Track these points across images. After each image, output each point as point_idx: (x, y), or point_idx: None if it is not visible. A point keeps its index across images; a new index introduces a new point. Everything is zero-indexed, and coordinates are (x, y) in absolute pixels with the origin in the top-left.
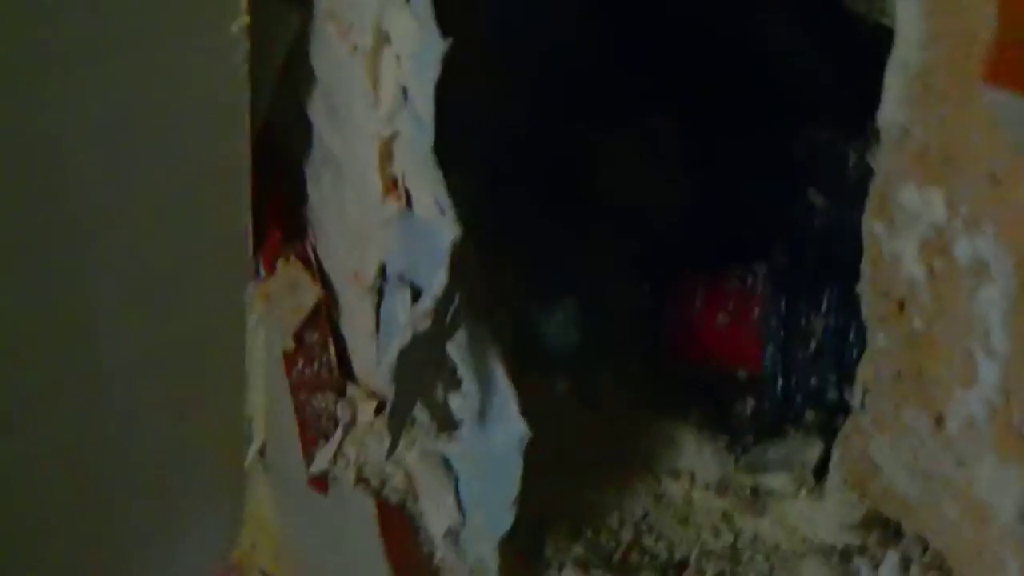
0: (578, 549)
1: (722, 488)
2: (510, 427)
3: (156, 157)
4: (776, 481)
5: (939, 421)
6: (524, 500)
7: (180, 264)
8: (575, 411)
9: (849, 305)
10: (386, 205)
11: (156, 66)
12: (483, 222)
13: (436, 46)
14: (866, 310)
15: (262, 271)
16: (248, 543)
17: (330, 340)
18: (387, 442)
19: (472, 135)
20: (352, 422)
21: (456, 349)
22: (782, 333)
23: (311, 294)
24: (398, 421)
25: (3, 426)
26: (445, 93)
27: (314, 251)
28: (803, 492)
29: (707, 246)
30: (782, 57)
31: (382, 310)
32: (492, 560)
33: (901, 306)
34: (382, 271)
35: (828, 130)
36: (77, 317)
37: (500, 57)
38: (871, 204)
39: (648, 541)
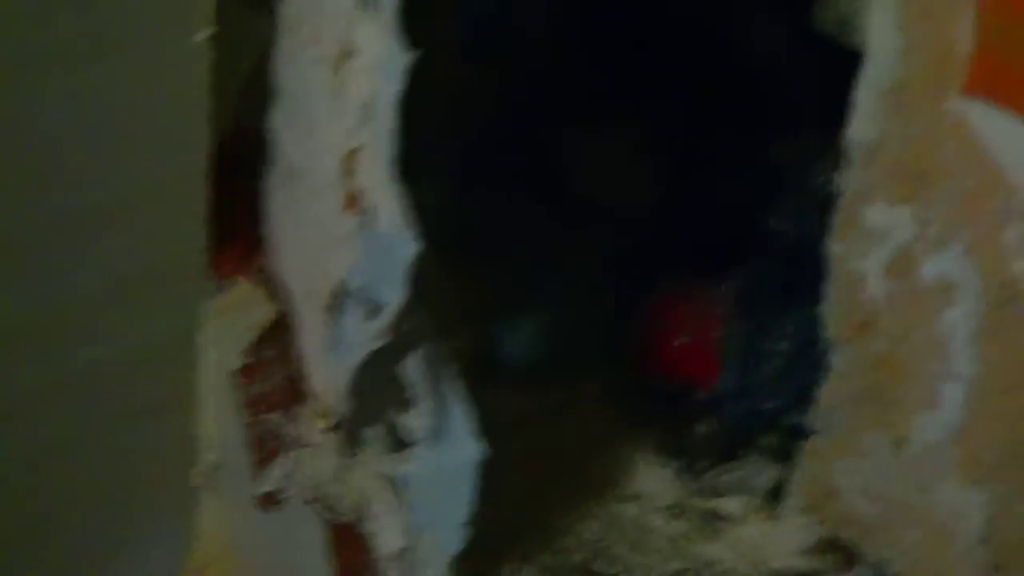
0: (531, 572)
1: (677, 512)
2: (464, 448)
3: (112, 168)
4: (731, 505)
5: (900, 444)
6: (476, 521)
7: (134, 277)
8: (532, 429)
9: (811, 326)
10: (347, 219)
11: (117, 75)
12: (446, 236)
13: (402, 57)
14: (829, 331)
15: (218, 285)
16: (199, 563)
17: (286, 356)
18: (341, 460)
19: (437, 147)
20: (304, 440)
21: (413, 367)
22: (742, 353)
23: (267, 309)
24: (352, 439)
25: None
26: (411, 104)
27: (272, 265)
28: (758, 516)
29: (671, 263)
30: (750, 74)
31: (340, 326)
32: None
33: (865, 326)
34: (341, 286)
35: (795, 149)
36: (23, 330)
37: (470, 64)
38: (837, 223)
39: (601, 565)
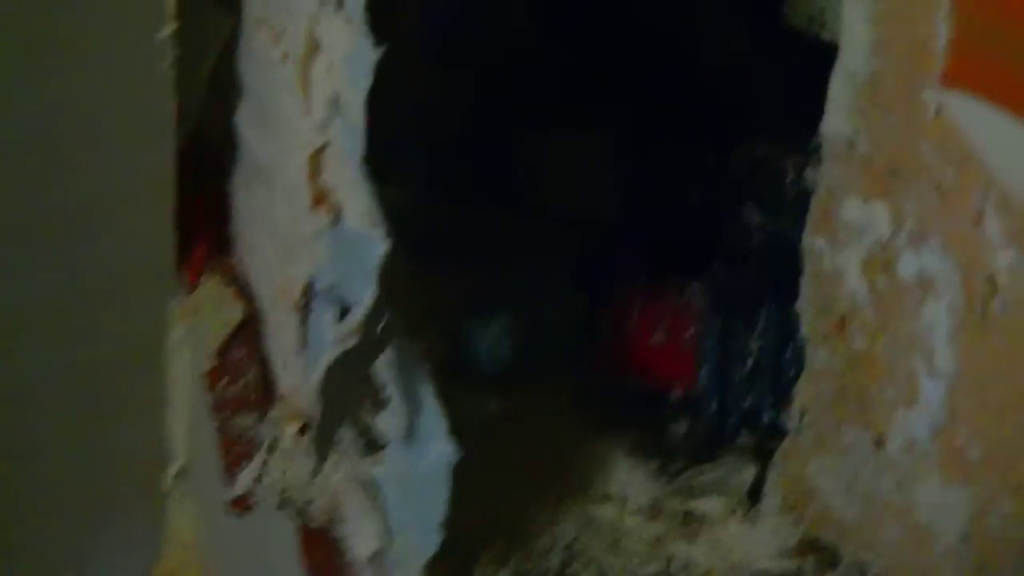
0: (506, 574)
1: (654, 512)
2: (439, 448)
3: (77, 167)
4: (709, 505)
5: (880, 442)
6: (451, 523)
7: (101, 278)
8: (505, 430)
9: (786, 324)
10: (315, 217)
11: (79, 73)
12: (414, 234)
13: (369, 54)
14: (806, 328)
15: (186, 286)
16: (168, 568)
17: (255, 358)
18: (312, 463)
19: (404, 146)
20: (275, 443)
21: (385, 367)
22: (717, 353)
23: (236, 310)
24: (324, 441)
25: None
26: (379, 101)
27: (240, 265)
28: (737, 516)
29: (643, 261)
30: (719, 71)
31: (309, 326)
32: None
33: (842, 323)
34: (310, 286)
35: (766, 146)
36: None
37: (437, 63)
38: (813, 218)
39: (578, 566)
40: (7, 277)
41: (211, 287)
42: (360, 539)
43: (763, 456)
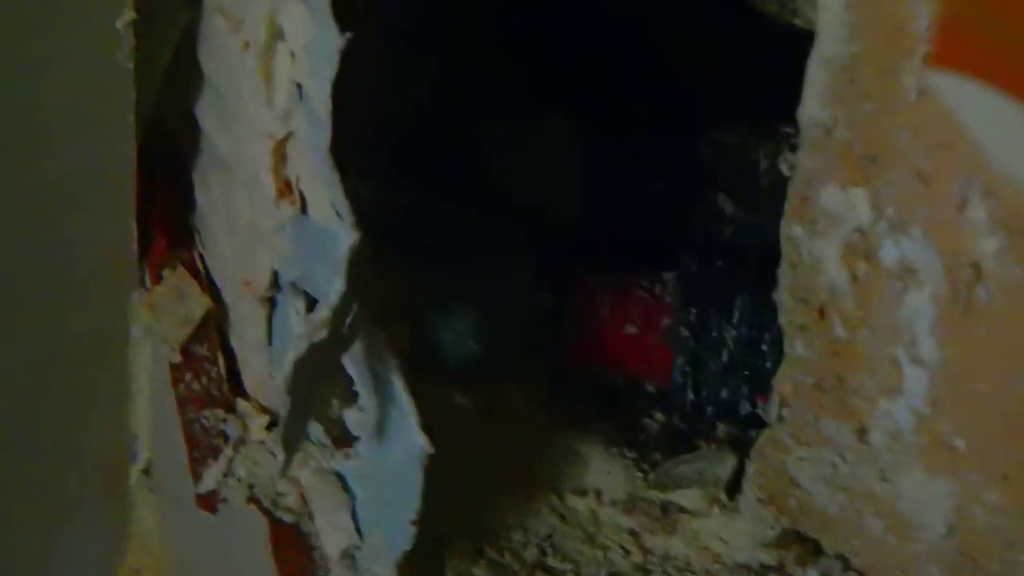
0: (480, 570)
1: (630, 505)
2: (410, 443)
3: (34, 159)
4: (687, 498)
5: (862, 433)
6: (425, 519)
7: (60, 272)
8: (475, 424)
9: (762, 314)
10: (279, 209)
11: (34, 64)
12: (379, 226)
13: (333, 41)
14: (784, 317)
15: (147, 280)
16: (135, 564)
17: (219, 353)
18: (280, 459)
19: (371, 133)
20: (242, 438)
21: (352, 361)
22: (692, 343)
23: (199, 304)
24: (291, 437)
25: None
26: (343, 90)
27: (202, 259)
28: (715, 509)
29: (615, 252)
30: (690, 58)
31: (275, 320)
32: None
33: (822, 313)
34: (275, 279)
35: (737, 133)
36: None
37: (397, 53)
38: (790, 206)
39: (553, 561)
40: None
41: (173, 281)
42: (330, 536)
43: (741, 448)
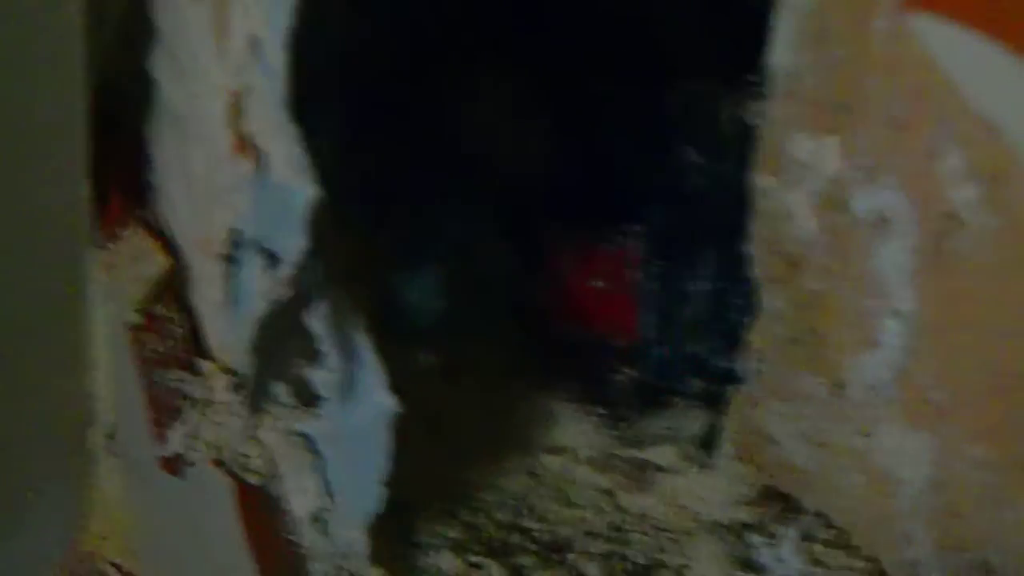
0: (453, 531)
1: (603, 464)
2: (377, 402)
3: None
4: (661, 455)
5: (838, 387)
6: (394, 481)
7: (12, 233)
8: (444, 384)
9: (731, 266)
10: (236, 165)
11: None
12: (341, 182)
13: None
14: (756, 270)
15: (103, 240)
16: (96, 533)
17: (180, 312)
18: (245, 421)
19: (330, 87)
20: (206, 400)
21: (317, 320)
22: (661, 297)
23: (157, 263)
24: (256, 398)
25: None
26: (300, 42)
27: (159, 217)
28: (691, 466)
29: (579, 207)
30: (650, 6)
31: (235, 279)
32: (362, 544)
33: (795, 265)
34: (233, 237)
35: (701, 82)
36: None
37: (356, 6)
38: (759, 156)
39: (527, 522)
40: None
41: (131, 239)
42: (298, 498)
43: (715, 402)
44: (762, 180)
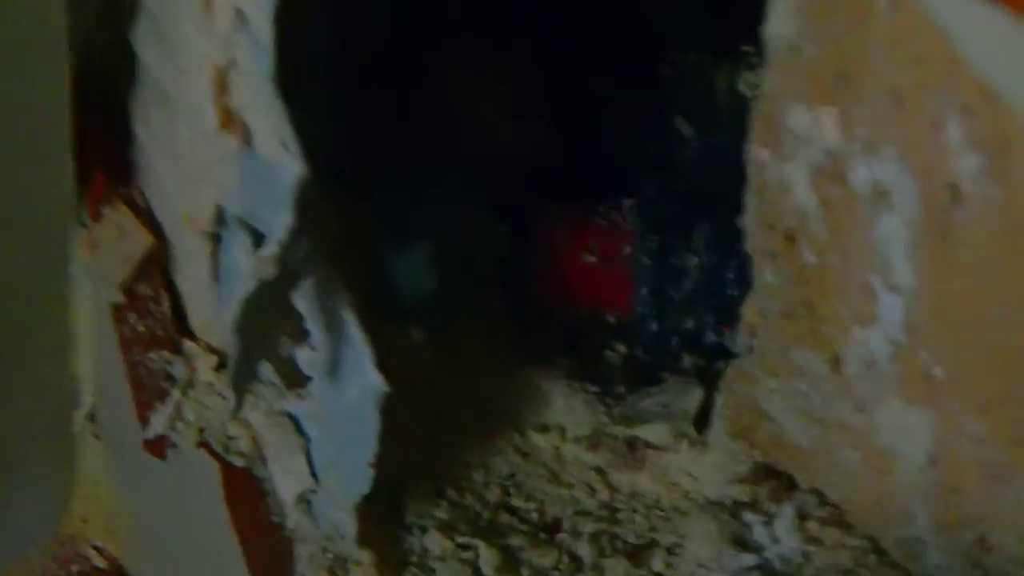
0: (441, 512)
1: (595, 442)
2: (365, 382)
3: None
4: (653, 432)
5: (835, 363)
6: (382, 461)
7: None
8: (434, 362)
9: (726, 240)
10: (222, 140)
11: None
12: (330, 158)
13: None
14: (751, 244)
15: (87, 218)
16: (78, 516)
17: (163, 292)
18: (230, 401)
19: (317, 62)
20: (190, 381)
21: (303, 298)
22: (654, 272)
23: (141, 242)
24: (241, 378)
25: None
26: (287, 16)
27: (143, 195)
28: (684, 444)
29: (571, 180)
30: None
31: (221, 257)
32: (349, 526)
33: (791, 239)
34: (219, 214)
35: (694, 53)
36: None
37: None
38: (755, 129)
39: (517, 501)
40: None
41: (114, 218)
42: (284, 480)
43: (709, 379)
44: (758, 153)
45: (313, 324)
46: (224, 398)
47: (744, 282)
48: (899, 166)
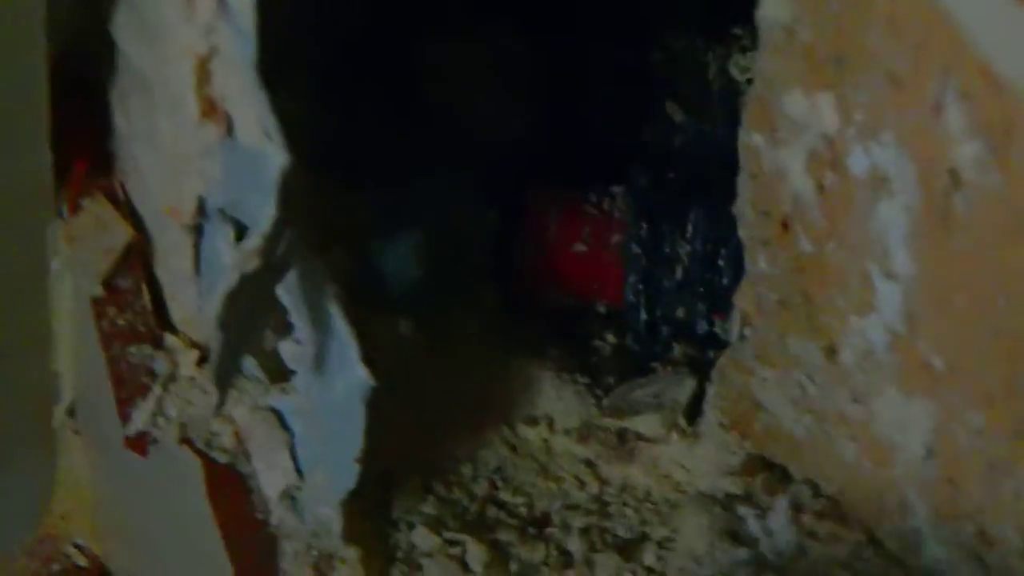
0: (429, 507)
1: (584, 434)
2: (350, 376)
3: None
4: (644, 424)
5: (831, 352)
6: (368, 456)
7: None
8: (421, 354)
9: (717, 227)
10: (204, 130)
11: None
12: (314, 148)
13: None
14: (745, 231)
15: (65, 210)
16: (59, 513)
17: (144, 285)
18: (212, 397)
19: (300, 49)
20: (172, 376)
21: (287, 291)
22: (644, 260)
23: (121, 234)
24: (224, 373)
25: None
26: (270, 2)
27: (123, 186)
28: (675, 435)
29: (561, 168)
30: None
31: (203, 250)
32: (335, 523)
33: (786, 226)
34: (201, 206)
35: (685, 38)
36: None
37: None
38: (749, 113)
39: (505, 495)
40: None
41: (93, 210)
42: (269, 476)
43: (700, 369)
44: (753, 138)
45: (298, 317)
46: (207, 393)
47: (736, 270)
48: (898, 151)
